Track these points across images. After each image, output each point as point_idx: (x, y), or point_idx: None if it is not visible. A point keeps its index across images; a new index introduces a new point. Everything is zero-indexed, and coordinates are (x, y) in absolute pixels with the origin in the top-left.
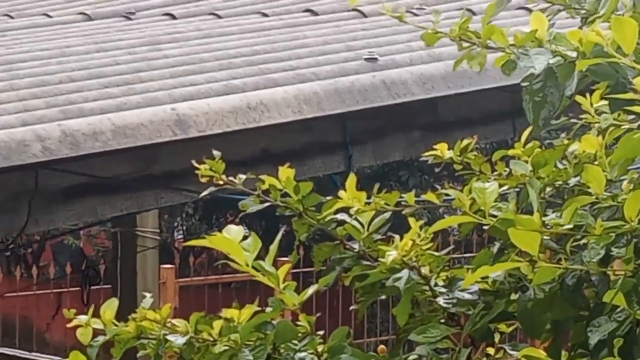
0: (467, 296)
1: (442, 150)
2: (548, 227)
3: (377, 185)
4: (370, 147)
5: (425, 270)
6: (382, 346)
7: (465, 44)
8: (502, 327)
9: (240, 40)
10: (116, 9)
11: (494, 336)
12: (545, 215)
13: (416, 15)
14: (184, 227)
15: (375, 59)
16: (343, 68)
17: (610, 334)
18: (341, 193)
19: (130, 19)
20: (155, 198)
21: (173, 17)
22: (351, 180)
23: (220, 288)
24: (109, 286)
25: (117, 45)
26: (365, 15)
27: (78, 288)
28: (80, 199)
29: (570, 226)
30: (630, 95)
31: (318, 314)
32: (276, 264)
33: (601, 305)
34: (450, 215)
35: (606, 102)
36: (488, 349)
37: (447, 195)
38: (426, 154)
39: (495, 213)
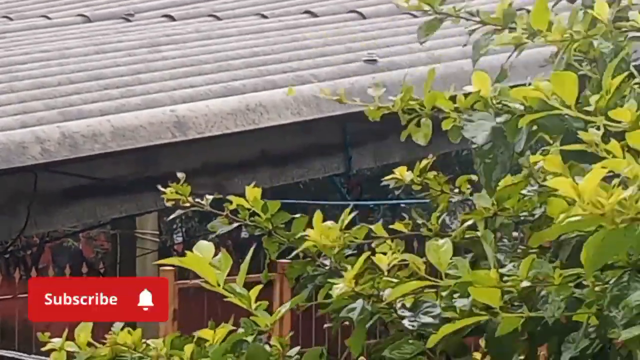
0: (428, 320)
1: (402, 173)
2: (505, 280)
3: (342, 221)
4: (369, 149)
5: (388, 294)
6: (362, 358)
7: (408, 116)
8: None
9: (239, 41)
10: (115, 10)
11: (467, 351)
12: (502, 265)
13: (415, 16)
14: (184, 229)
15: (375, 60)
16: (342, 69)
17: (582, 352)
18: (309, 231)
19: (129, 20)
20: (154, 200)
21: (172, 18)
22: (318, 217)
23: None
24: None
25: (117, 47)
26: (364, 17)
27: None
28: (79, 200)
29: (528, 284)
30: (579, 147)
31: (291, 333)
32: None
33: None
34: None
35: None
36: (475, 353)
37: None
38: (385, 178)
39: (451, 272)
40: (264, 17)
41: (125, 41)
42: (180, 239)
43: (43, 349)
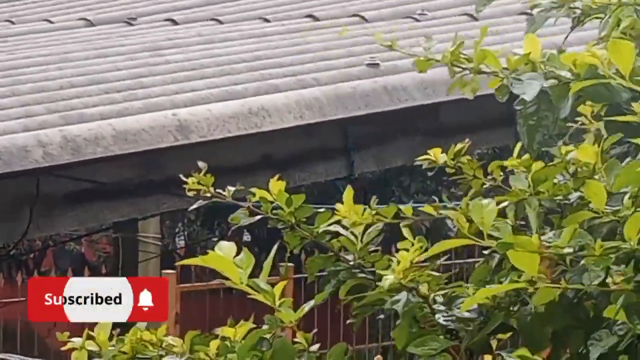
0: (466, 314)
1: (436, 155)
2: (547, 247)
3: (374, 198)
4: (372, 152)
5: (423, 289)
6: (378, 356)
7: (457, 69)
8: (501, 335)
9: (241, 45)
10: (117, 14)
11: (492, 348)
12: (544, 233)
13: (418, 20)
14: (186, 233)
15: (377, 64)
16: (344, 73)
17: (611, 349)
18: (338, 206)
19: (131, 24)
20: (156, 203)
21: (174, 22)
22: (348, 192)
23: (222, 293)
24: None
25: (119, 50)
26: (366, 21)
27: None
28: (81, 204)
29: (570, 250)
30: (627, 118)
31: (315, 330)
32: (276, 270)
33: (600, 317)
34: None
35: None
36: (486, 356)
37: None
38: (419, 158)
39: (493, 233)
40: (267, 21)
41: (127, 45)
42: (182, 243)
43: (63, 348)
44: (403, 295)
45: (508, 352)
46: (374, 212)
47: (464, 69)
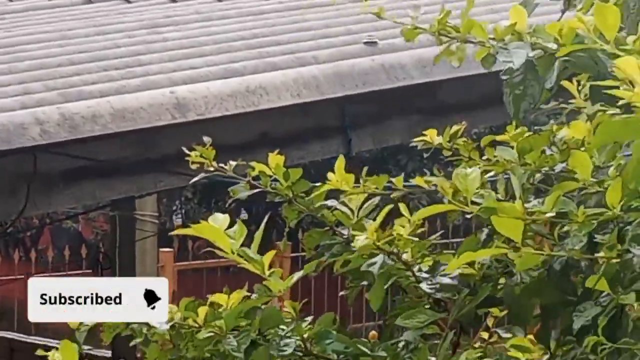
0: (446, 281)
1: (432, 136)
2: (531, 214)
3: (365, 168)
4: (369, 131)
5: (407, 256)
6: (373, 332)
7: (445, 39)
8: (495, 311)
9: (239, 23)
10: None
11: (482, 321)
12: (528, 201)
13: None
14: (183, 211)
15: (375, 42)
16: (342, 52)
17: (594, 319)
18: (330, 175)
19: (130, 2)
20: (154, 182)
21: (172, 0)
22: (340, 162)
23: (219, 272)
24: (108, 269)
25: (117, 28)
26: None
27: (77, 271)
28: (79, 182)
29: (553, 214)
30: (609, 83)
31: (305, 300)
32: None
33: (589, 291)
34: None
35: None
36: (482, 333)
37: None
38: (415, 139)
39: (477, 200)
40: None
41: (126, 22)
42: (179, 221)
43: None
44: (379, 258)
45: (504, 329)
46: (365, 182)
47: (452, 38)
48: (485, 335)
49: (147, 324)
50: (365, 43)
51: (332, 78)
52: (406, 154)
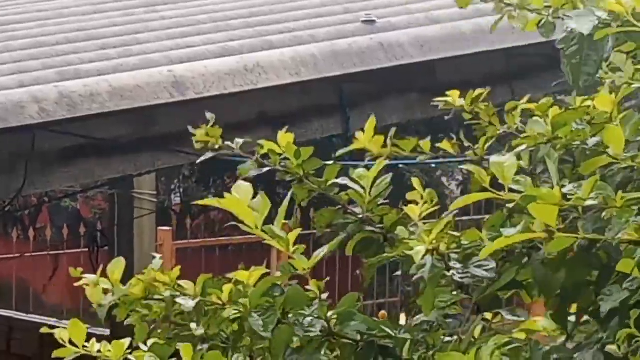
0: (483, 273)
1: (454, 98)
2: (568, 200)
3: (393, 129)
4: (367, 109)
5: (442, 247)
6: (382, 312)
7: (503, 5)
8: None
9: (237, 1)
10: None
11: (502, 304)
12: (562, 185)
13: None
14: (181, 190)
15: (373, 21)
16: (340, 30)
17: (622, 303)
18: (358, 134)
19: None
20: (152, 160)
21: None
22: (371, 122)
23: (218, 250)
24: (106, 248)
25: (114, 6)
26: None
27: (75, 250)
28: (77, 160)
29: (592, 202)
30: None
31: (327, 279)
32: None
33: (610, 270)
34: (447, 177)
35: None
36: (486, 313)
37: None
38: (436, 99)
39: (514, 187)
40: None
41: (123, 0)
42: (178, 200)
43: (77, 284)
44: (428, 261)
45: (508, 311)
46: (392, 146)
47: (509, 5)
48: (488, 316)
49: (171, 300)
50: (363, 22)
51: (330, 57)
52: (404, 133)
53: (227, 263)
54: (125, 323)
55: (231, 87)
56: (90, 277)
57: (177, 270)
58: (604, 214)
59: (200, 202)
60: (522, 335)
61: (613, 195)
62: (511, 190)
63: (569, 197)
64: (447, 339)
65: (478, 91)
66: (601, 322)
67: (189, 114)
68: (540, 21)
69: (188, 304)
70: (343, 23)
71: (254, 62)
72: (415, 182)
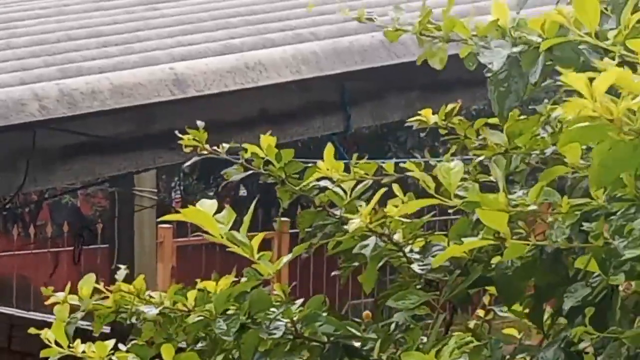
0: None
1: (427, 115)
2: (515, 206)
3: (355, 155)
4: (368, 107)
5: (398, 237)
6: (367, 312)
7: (427, 39)
8: (492, 289)
9: None
10: None
11: (472, 301)
12: (513, 191)
13: None
14: (182, 187)
15: (374, 19)
16: (342, 28)
17: (583, 300)
18: (319, 163)
19: None
20: (153, 158)
21: None
22: (329, 150)
23: (218, 248)
24: (106, 246)
25: (116, 4)
26: None
27: (82, 249)
28: (78, 158)
29: (535, 207)
30: (592, 74)
31: (294, 283)
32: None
33: (580, 272)
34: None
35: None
36: (479, 311)
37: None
38: (410, 119)
39: (460, 193)
40: None
41: None
42: (178, 197)
43: (47, 302)
44: (371, 240)
45: (501, 307)
46: (356, 168)
47: (434, 37)
48: (481, 312)
49: (137, 310)
50: (365, 19)
51: (331, 54)
52: (405, 131)
53: (227, 260)
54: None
55: (232, 85)
56: (59, 295)
57: (140, 280)
58: (549, 219)
59: (166, 217)
60: (514, 332)
61: (559, 200)
62: (457, 196)
63: (515, 203)
64: (424, 338)
65: (450, 106)
66: (567, 320)
67: (190, 112)
68: (466, 51)
69: (151, 312)
70: (344, 21)
71: (255, 59)
72: (395, 187)
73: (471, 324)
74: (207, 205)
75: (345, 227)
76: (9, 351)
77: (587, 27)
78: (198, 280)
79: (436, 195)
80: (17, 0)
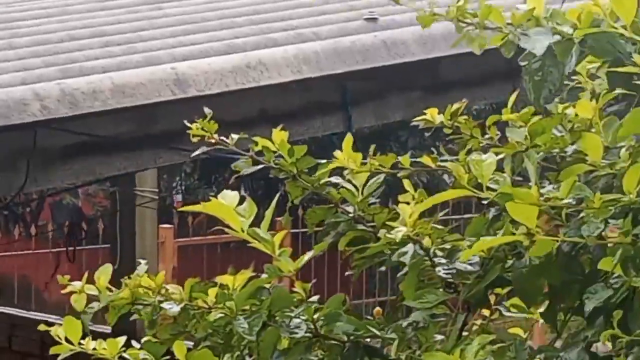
0: (468, 267)
1: (433, 115)
2: (546, 199)
3: (373, 146)
4: (370, 107)
5: (425, 242)
6: (377, 308)
7: (463, 25)
8: (497, 289)
9: None
10: None
11: (489, 301)
12: (542, 186)
13: None
14: (183, 187)
15: (376, 19)
16: (343, 28)
17: (605, 301)
18: (337, 153)
19: None
20: (154, 157)
21: None
22: (348, 140)
23: (219, 248)
24: (108, 246)
25: (118, 3)
26: None
27: (76, 248)
28: (78, 158)
29: (569, 200)
30: (629, 69)
31: (314, 280)
32: (274, 226)
33: (596, 271)
34: (449, 179)
35: (598, 64)
36: (483, 310)
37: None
38: (416, 119)
39: (492, 186)
40: None
41: None
42: (179, 197)
43: (63, 291)
44: (410, 248)
45: (505, 307)
46: (372, 161)
47: (469, 24)
48: (486, 312)
49: (156, 305)
50: (366, 19)
51: (332, 54)
52: (407, 131)
53: (228, 260)
54: (130, 319)
55: (233, 85)
56: (76, 284)
57: (161, 275)
58: (582, 214)
59: (185, 208)
60: (520, 332)
61: (591, 196)
62: (489, 189)
63: (547, 197)
64: (439, 337)
65: (456, 105)
66: (587, 321)
67: (190, 112)
68: (502, 39)
69: (173, 308)
70: (346, 21)
71: (256, 59)
72: (406, 183)
73: (477, 323)
74: (229, 197)
75: (358, 225)
76: (10, 351)
77: (623, 20)
78: (212, 279)
79: (469, 188)
80: (19, 0)
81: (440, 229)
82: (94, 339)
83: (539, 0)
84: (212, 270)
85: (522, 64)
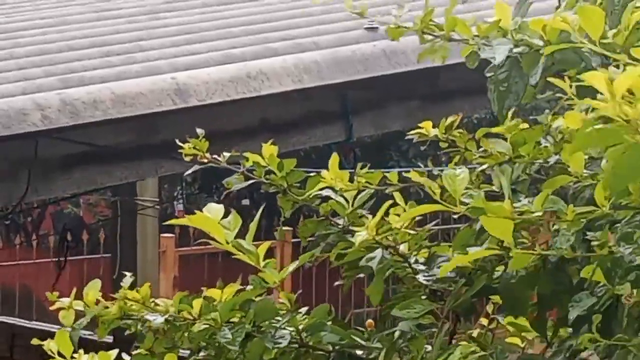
0: (447, 274)
1: (427, 128)
2: (520, 214)
3: (359, 165)
4: (370, 116)
5: (403, 248)
6: (370, 320)
7: (428, 37)
8: (496, 298)
9: (240, 9)
10: None
11: (477, 310)
12: (517, 200)
13: None
14: (184, 196)
15: (376, 28)
16: (343, 37)
17: (589, 309)
18: (323, 173)
19: None
20: (154, 167)
21: None
22: (334, 160)
23: (220, 257)
24: (109, 255)
25: (118, 13)
26: None
27: (77, 257)
28: (79, 168)
29: (540, 214)
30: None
31: (299, 291)
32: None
33: (584, 281)
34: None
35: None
36: (482, 319)
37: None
38: (411, 132)
39: (466, 200)
40: None
41: (127, 8)
42: (181, 207)
43: (52, 307)
44: (378, 253)
45: (504, 316)
46: (360, 178)
47: (435, 36)
48: (485, 321)
49: (142, 317)
50: (366, 29)
51: (333, 64)
52: (407, 140)
53: (230, 270)
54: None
55: (234, 94)
56: (64, 300)
57: (146, 287)
58: (555, 226)
59: (172, 221)
60: (517, 341)
61: (564, 209)
62: (462, 203)
63: (520, 211)
64: (429, 347)
65: (450, 118)
66: (572, 329)
67: (191, 121)
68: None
69: (157, 320)
70: (346, 30)
71: (256, 69)
72: (397, 195)
73: (474, 333)
74: (214, 210)
75: (348, 237)
76: None
77: (592, 36)
78: (202, 289)
79: (441, 202)
80: (19, 10)
81: (415, 234)
82: (95, 349)
83: (505, 11)
84: (214, 279)
85: (488, 75)
